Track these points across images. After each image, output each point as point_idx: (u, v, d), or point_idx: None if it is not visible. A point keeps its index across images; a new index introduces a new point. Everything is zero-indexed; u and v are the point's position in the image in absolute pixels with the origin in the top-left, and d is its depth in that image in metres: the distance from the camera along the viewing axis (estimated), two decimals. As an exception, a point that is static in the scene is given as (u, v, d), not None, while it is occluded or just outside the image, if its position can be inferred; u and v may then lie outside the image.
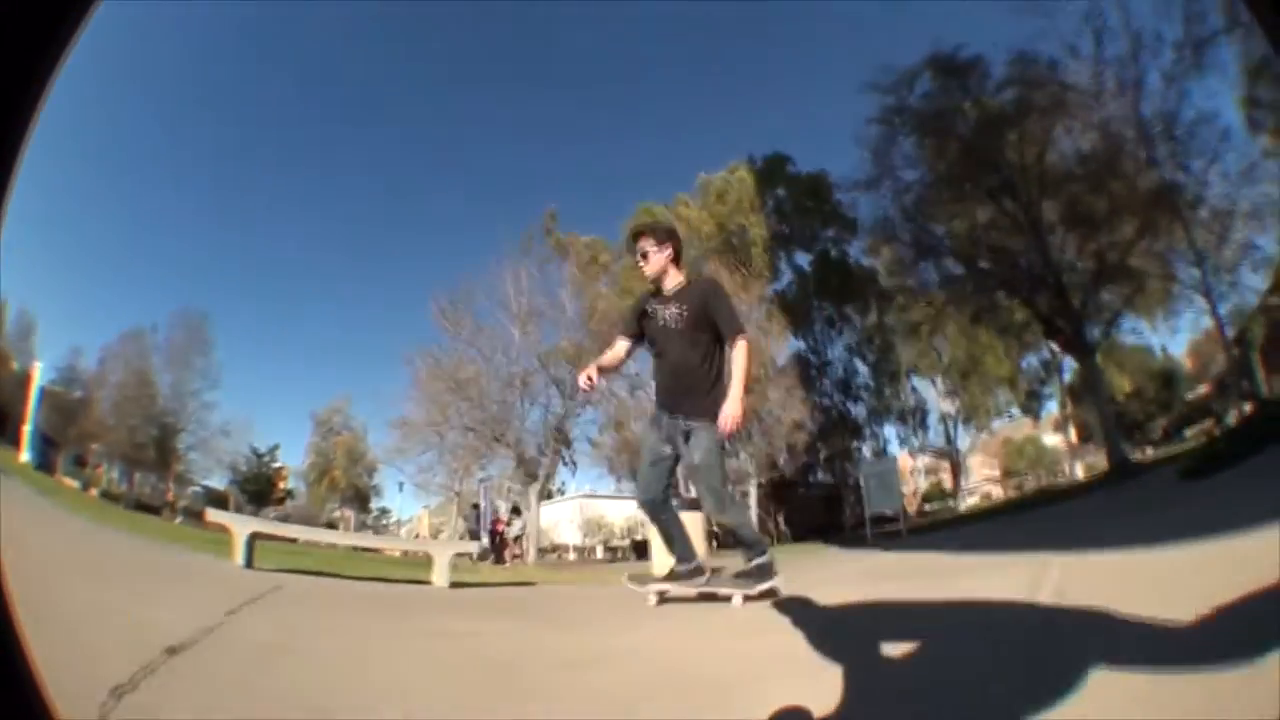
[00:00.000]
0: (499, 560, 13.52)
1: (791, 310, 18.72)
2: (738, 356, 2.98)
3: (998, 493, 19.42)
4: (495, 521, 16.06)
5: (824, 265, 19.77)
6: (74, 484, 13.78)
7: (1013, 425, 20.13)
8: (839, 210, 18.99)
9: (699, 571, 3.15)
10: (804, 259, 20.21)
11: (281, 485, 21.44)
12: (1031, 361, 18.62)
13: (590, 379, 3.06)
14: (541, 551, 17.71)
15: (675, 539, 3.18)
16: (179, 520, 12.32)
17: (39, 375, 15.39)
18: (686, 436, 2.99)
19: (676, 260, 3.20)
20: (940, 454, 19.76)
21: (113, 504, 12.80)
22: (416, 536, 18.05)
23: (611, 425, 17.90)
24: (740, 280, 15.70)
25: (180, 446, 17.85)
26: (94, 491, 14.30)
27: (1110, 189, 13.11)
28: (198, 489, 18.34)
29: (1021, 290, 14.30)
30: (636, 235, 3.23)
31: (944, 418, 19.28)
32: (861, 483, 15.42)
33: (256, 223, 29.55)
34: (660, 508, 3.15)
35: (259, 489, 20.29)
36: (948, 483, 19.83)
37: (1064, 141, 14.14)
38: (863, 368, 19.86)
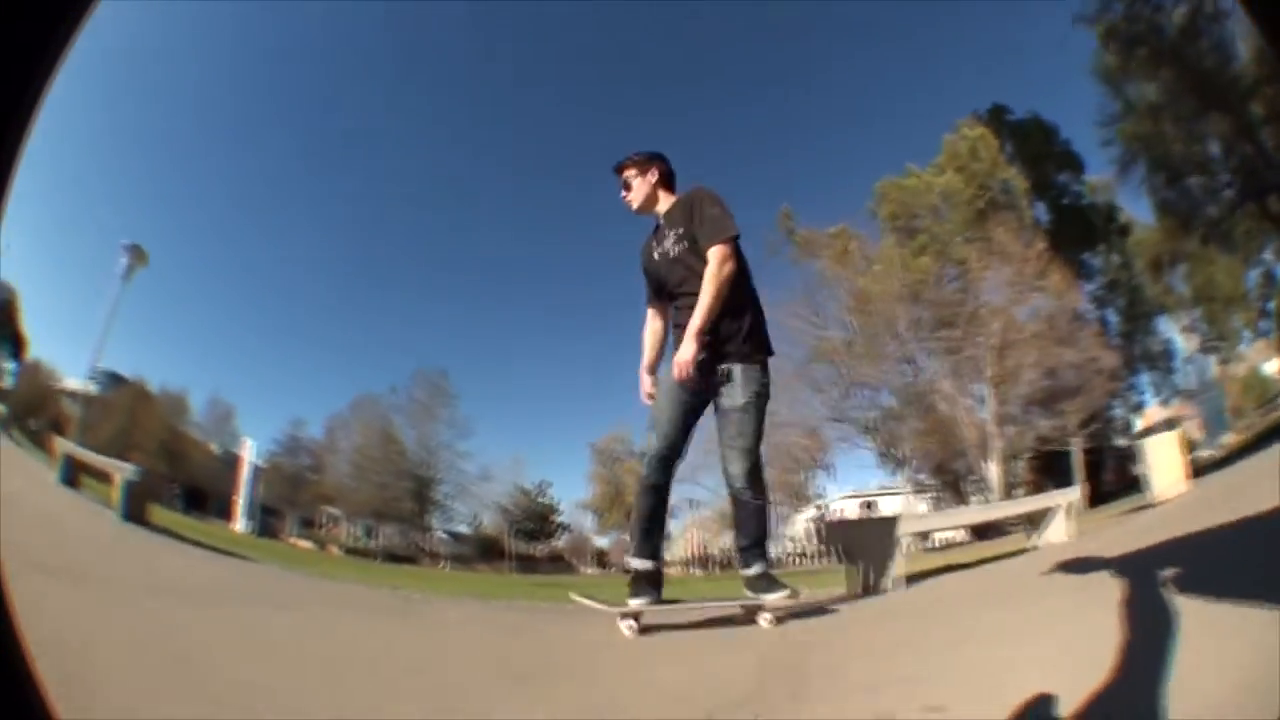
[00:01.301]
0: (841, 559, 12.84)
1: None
2: (709, 271, 2.35)
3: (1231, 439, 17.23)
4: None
5: (1063, 211, 17.91)
6: (308, 544, 14.98)
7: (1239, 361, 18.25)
8: (1070, 152, 17.40)
9: (658, 578, 2.49)
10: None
11: (555, 520, 21.58)
12: (1252, 276, 17.21)
13: (650, 395, 2.63)
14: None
15: (657, 525, 2.51)
16: (444, 566, 13.99)
17: (251, 452, 16.29)
18: (727, 377, 2.41)
19: (667, 184, 2.68)
20: (1188, 397, 17.97)
21: (361, 559, 13.90)
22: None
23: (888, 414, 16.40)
24: (1024, 240, 14.16)
25: (438, 496, 18.60)
26: (333, 549, 15.66)
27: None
28: (460, 531, 19.21)
29: (1251, 194, 12.82)
30: (618, 170, 2.69)
31: (1188, 358, 16.51)
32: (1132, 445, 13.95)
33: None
34: (671, 469, 2.50)
35: (535, 527, 20.88)
36: (1195, 430, 17.90)
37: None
38: (1112, 317, 17.35)
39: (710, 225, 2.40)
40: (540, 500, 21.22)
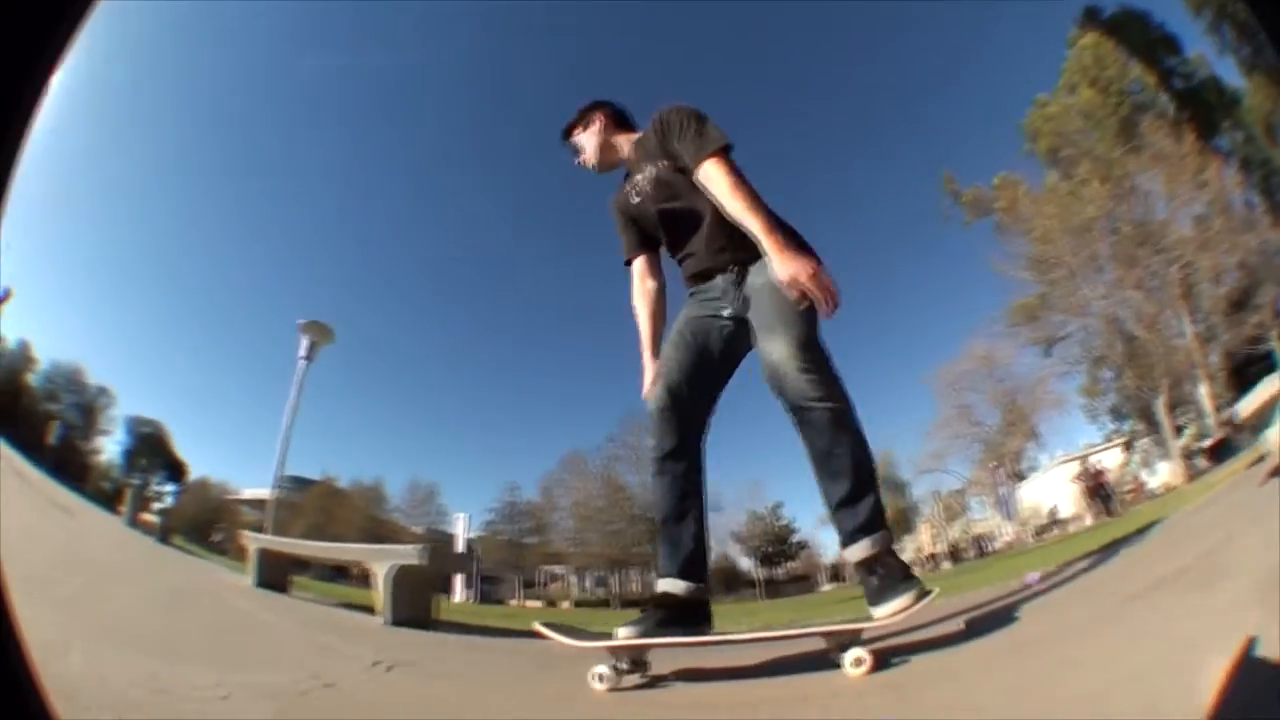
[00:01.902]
0: (1109, 513, 12.27)
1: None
2: (721, 189, 1.68)
3: None
4: (1097, 475, 14.32)
5: (1183, 98, 15.91)
6: (537, 604, 16.14)
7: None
8: (1167, 34, 15.96)
9: (703, 604, 1.68)
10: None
11: (793, 539, 22.36)
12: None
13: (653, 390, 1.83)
14: (1040, 530, 15.96)
15: (695, 529, 1.71)
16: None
17: (465, 526, 17.95)
18: (745, 302, 1.74)
19: (621, 125, 2.14)
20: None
21: (594, 609, 14.31)
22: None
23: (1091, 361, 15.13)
24: (1175, 136, 13.06)
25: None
26: (565, 604, 16.72)
27: None
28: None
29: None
30: (564, 137, 2.18)
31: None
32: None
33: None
34: (697, 442, 1.78)
35: (775, 549, 21.63)
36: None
37: None
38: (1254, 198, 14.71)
39: (695, 141, 1.77)
40: (777, 523, 21.36)
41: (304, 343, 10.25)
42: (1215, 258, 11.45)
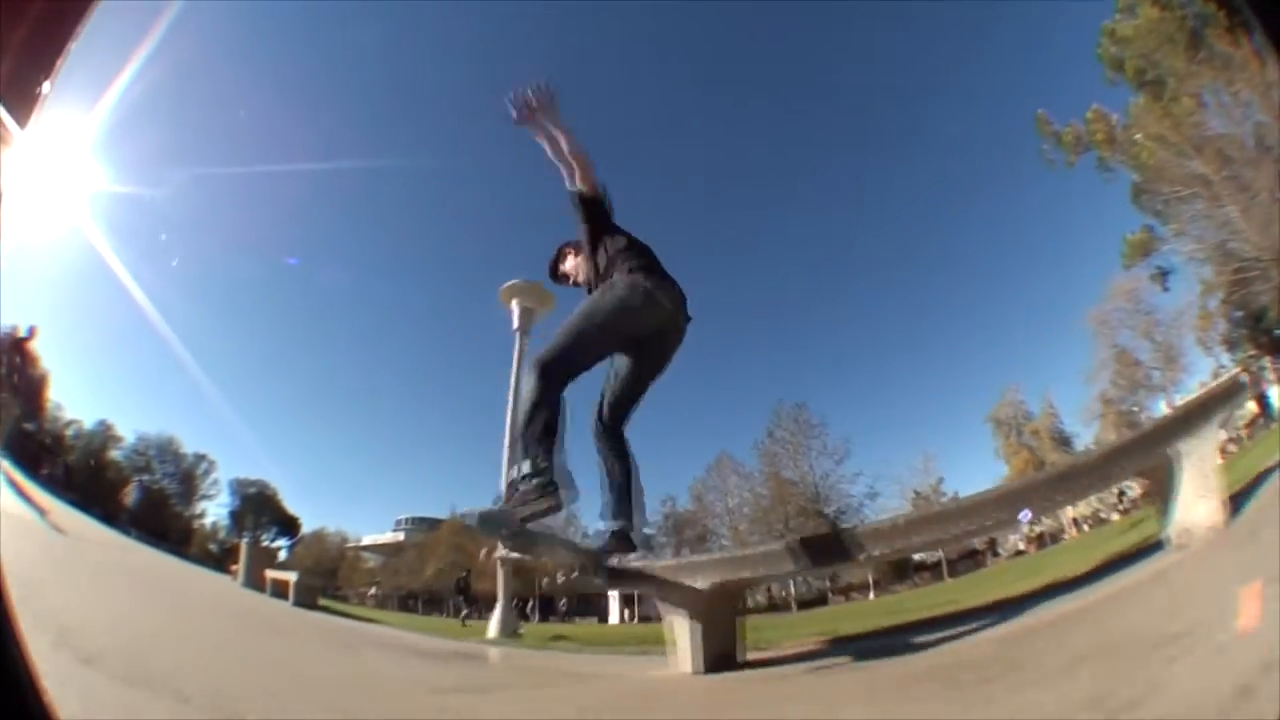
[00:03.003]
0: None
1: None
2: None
3: None
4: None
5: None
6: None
7: None
8: None
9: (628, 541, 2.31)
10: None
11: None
12: None
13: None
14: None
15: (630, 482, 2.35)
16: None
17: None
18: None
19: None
20: None
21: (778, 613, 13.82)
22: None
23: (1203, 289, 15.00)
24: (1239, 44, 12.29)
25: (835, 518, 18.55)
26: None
27: None
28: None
29: None
30: (555, 266, 2.68)
31: None
32: None
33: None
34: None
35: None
36: None
37: None
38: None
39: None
40: (941, 499, 19.60)
41: (516, 311, 8.47)
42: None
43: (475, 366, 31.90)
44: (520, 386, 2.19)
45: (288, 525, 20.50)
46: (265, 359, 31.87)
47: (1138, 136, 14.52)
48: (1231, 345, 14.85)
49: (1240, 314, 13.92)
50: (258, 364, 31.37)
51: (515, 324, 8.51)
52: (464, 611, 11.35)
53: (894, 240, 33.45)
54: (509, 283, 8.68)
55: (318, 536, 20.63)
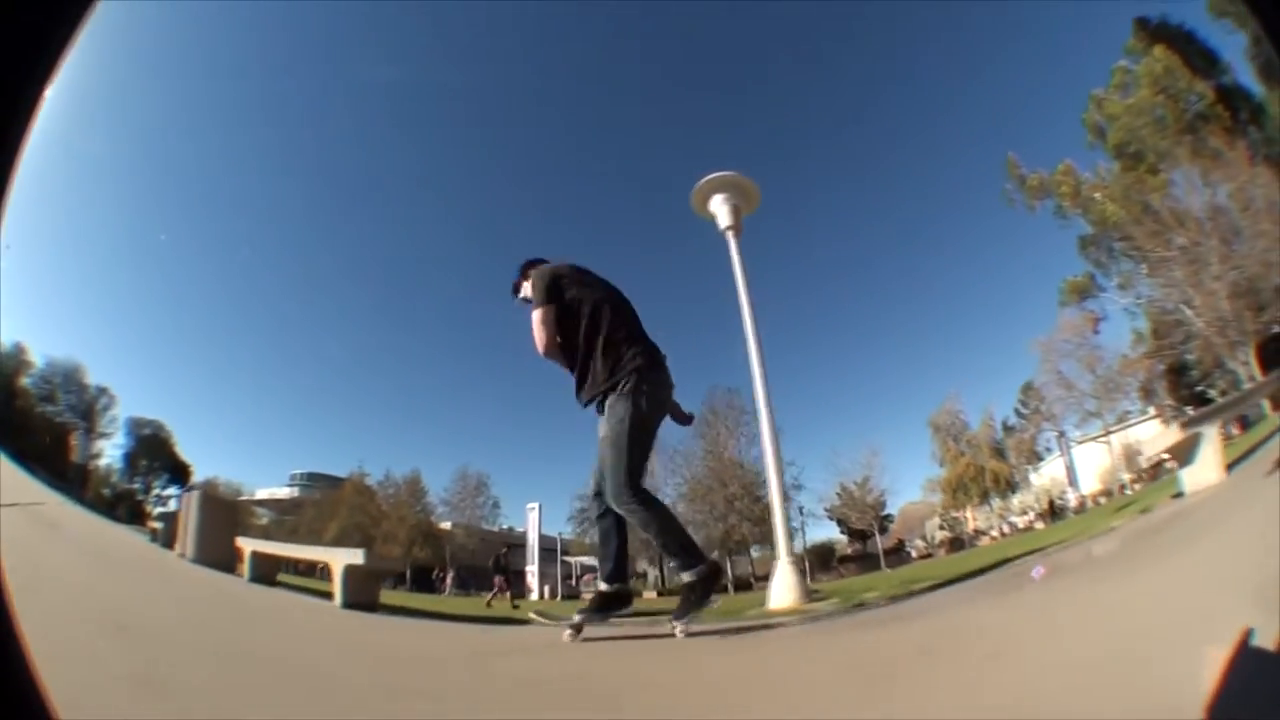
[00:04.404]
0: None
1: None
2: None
3: None
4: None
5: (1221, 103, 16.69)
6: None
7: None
8: (1206, 48, 16.89)
9: (625, 599, 2.70)
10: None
11: (883, 513, 22.01)
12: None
13: None
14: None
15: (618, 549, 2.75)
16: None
17: (536, 518, 17.64)
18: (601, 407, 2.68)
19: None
20: None
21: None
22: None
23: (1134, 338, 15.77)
24: (1230, 142, 14.16)
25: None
26: (650, 594, 15.49)
27: None
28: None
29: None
30: (516, 291, 2.97)
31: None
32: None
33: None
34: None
35: (865, 526, 21.04)
36: None
37: None
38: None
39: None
40: (869, 497, 20.26)
41: (724, 210, 7.05)
42: (1252, 243, 12.29)
43: (385, 324, 31.88)
44: (623, 513, 2.53)
45: (178, 472, 18.87)
46: (177, 298, 29.49)
47: (1097, 195, 16.09)
48: (1149, 394, 16.19)
49: (1163, 367, 15.32)
50: (165, 302, 29.30)
51: (727, 221, 7.33)
52: (493, 593, 10.75)
53: (860, 246, 34.48)
54: (706, 178, 7.46)
55: (210, 486, 18.32)
